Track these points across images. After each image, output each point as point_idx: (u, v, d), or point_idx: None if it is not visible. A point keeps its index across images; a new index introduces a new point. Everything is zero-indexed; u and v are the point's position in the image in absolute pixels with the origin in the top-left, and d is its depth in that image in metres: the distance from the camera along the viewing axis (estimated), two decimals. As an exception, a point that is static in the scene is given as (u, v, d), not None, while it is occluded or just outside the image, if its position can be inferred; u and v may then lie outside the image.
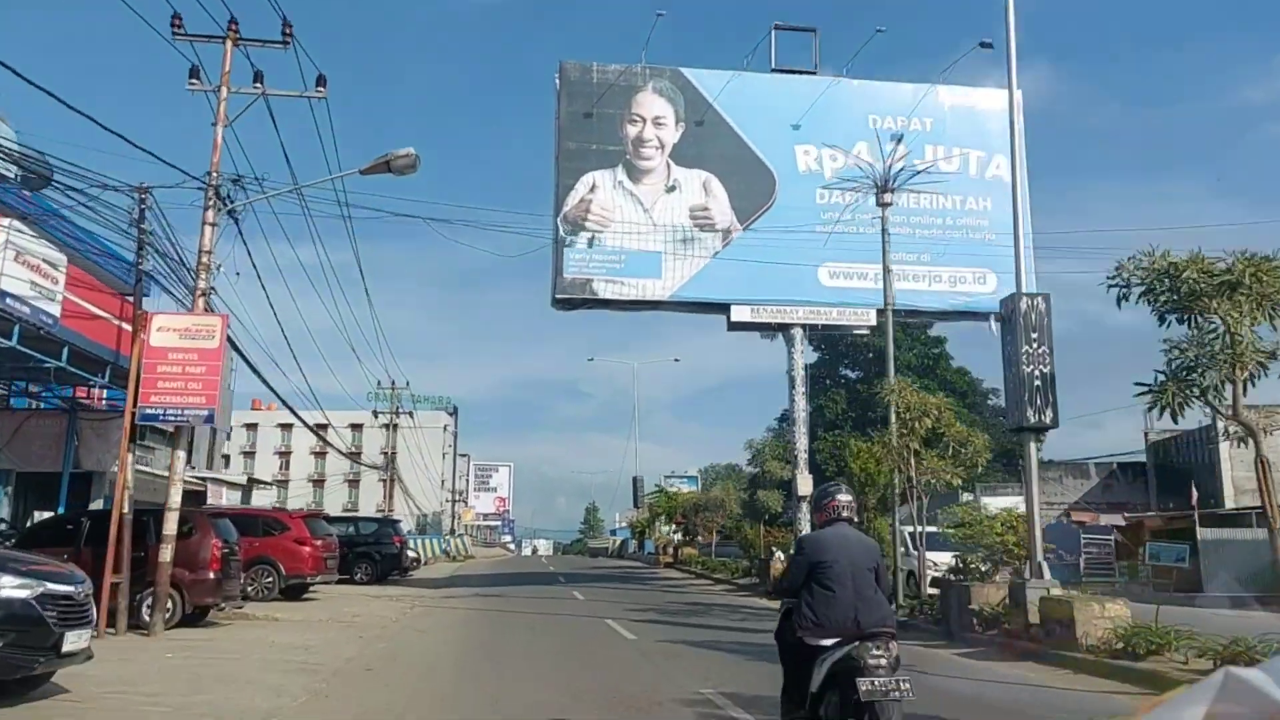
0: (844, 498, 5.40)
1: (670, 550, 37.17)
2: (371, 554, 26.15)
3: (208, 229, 14.23)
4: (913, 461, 14.18)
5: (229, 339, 21.91)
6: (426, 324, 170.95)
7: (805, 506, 20.23)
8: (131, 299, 14.45)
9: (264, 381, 23.89)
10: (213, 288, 14.35)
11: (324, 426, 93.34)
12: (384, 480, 54.39)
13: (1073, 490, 42.53)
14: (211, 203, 14.24)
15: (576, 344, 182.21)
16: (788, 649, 5.29)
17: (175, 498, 13.52)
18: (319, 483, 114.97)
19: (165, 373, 13.53)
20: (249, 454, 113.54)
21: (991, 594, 11.91)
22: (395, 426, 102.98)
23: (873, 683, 4.68)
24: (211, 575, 14.15)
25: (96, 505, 21.71)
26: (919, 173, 16.21)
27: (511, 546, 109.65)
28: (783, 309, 20.68)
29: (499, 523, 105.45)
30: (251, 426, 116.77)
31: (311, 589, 20.15)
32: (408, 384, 50.71)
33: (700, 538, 33.87)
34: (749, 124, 21.29)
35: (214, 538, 14.28)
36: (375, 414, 49.40)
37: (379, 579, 26.06)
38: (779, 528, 28.81)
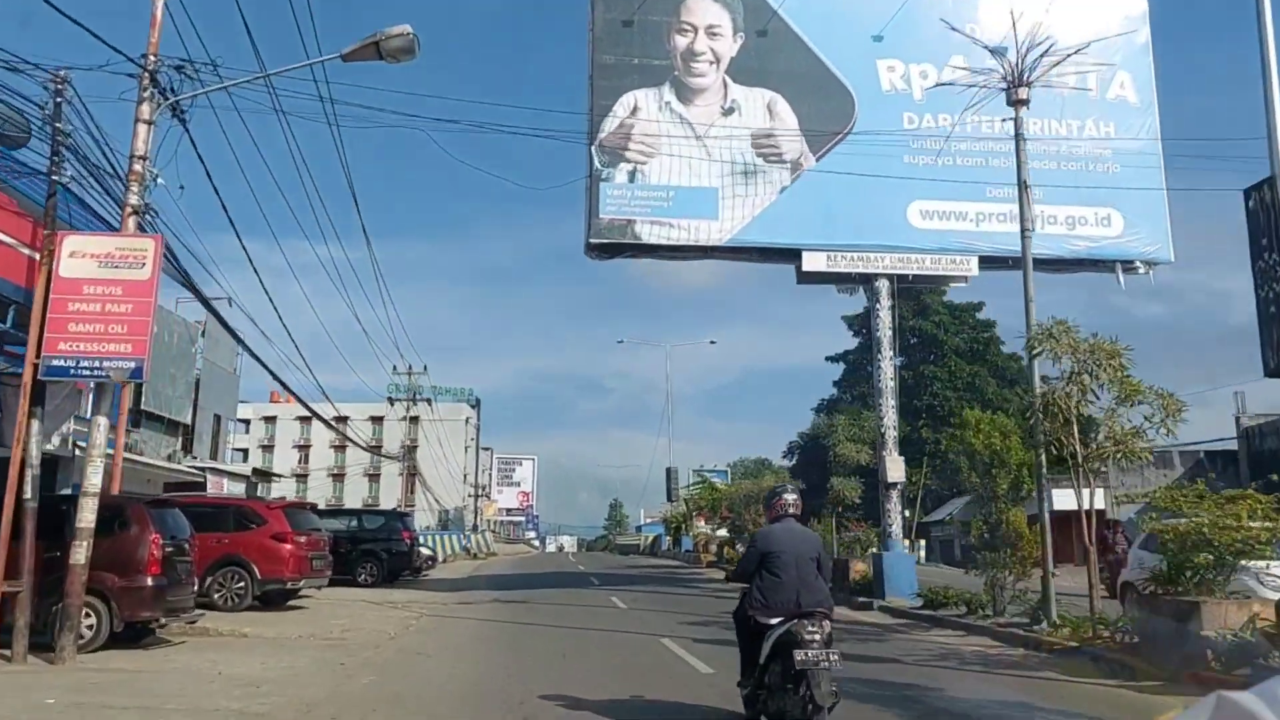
0: (790, 497, 6.69)
1: (713, 548, 33.63)
2: (377, 552, 22.78)
3: (141, 128, 10.81)
4: (1075, 432, 10.45)
5: (221, 318, 18.79)
6: (449, 319, 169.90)
7: (895, 496, 16.60)
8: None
9: (270, 372, 20.71)
10: (148, 204, 10.94)
11: (343, 419, 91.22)
12: (404, 474, 51.19)
13: (1155, 482, 38.55)
14: (148, 93, 10.85)
15: (599, 339, 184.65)
16: (742, 626, 6.44)
17: (93, 479, 10.12)
18: (338, 477, 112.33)
19: (79, 312, 10.12)
20: (267, 448, 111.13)
21: (1231, 614, 8.25)
22: (415, 419, 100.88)
23: (806, 654, 5.77)
24: (149, 581, 10.80)
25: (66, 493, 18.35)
26: (1065, 58, 12.42)
27: (535, 543, 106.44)
28: (865, 256, 16.96)
29: (522, 518, 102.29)
30: (270, 419, 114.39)
31: (300, 595, 16.80)
32: (425, 368, 47.34)
33: (749, 534, 30.38)
34: (821, 35, 17.57)
35: (153, 533, 10.89)
36: (391, 401, 46.11)
37: (386, 580, 22.71)
38: (857, 521, 24.82)
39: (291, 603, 16.20)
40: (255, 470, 41.48)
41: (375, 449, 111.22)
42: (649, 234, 16.61)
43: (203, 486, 36.22)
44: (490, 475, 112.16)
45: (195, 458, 41.12)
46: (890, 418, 16.95)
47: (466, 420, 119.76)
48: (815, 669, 5.67)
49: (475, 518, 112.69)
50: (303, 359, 53.85)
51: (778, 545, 6.22)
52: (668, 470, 46.36)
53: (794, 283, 17.51)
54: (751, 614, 6.18)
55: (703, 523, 41.97)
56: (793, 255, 17.11)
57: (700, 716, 7.51)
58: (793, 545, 6.21)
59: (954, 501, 52.59)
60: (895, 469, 16.27)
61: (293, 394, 27.05)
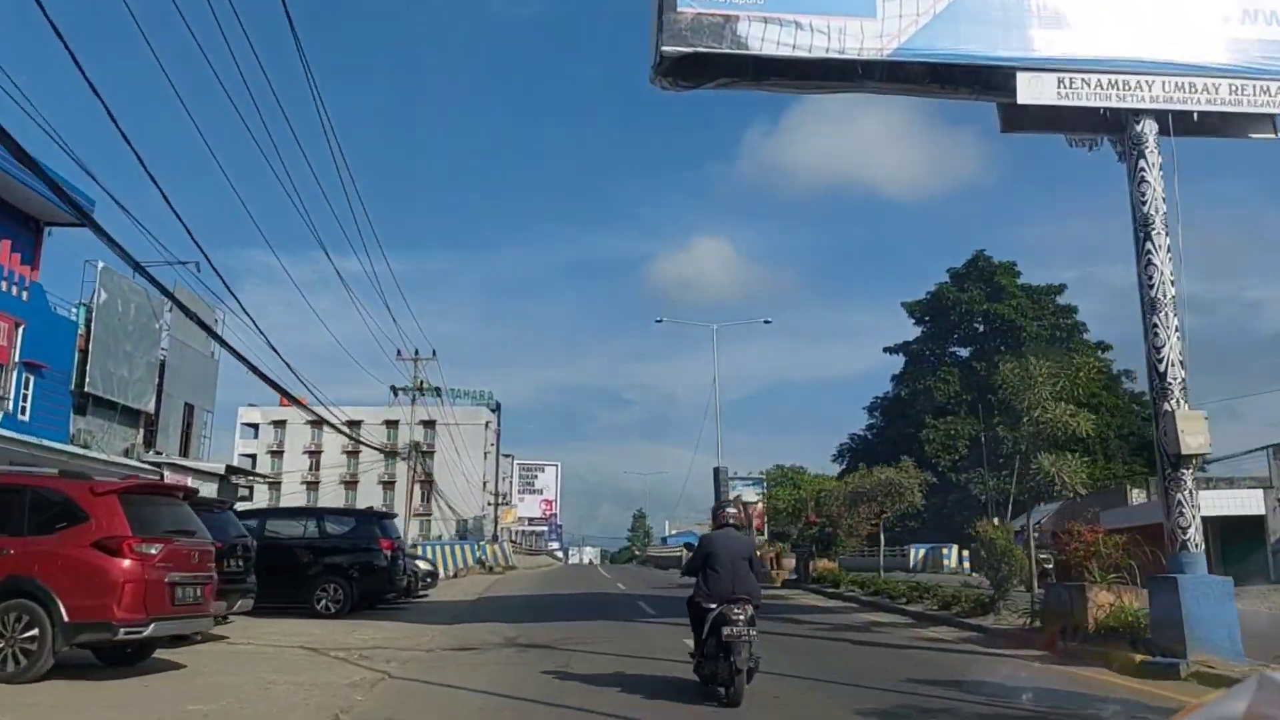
0: (731, 511, 9.13)
1: (789, 563, 26.73)
2: (344, 568, 16.05)
3: None
4: None
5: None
6: (472, 331, 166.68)
7: (1189, 479, 9.70)
8: None
9: (259, 374, 14.35)
10: None
11: (355, 424, 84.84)
12: (412, 473, 44.48)
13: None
14: None
15: (619, 351, 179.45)
16: (692, 609, 8.33)
17: None
18: (351, 484, 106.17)
19: None
20: (276, 453, 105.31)
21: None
22: (430, 423, 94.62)
23: (731, 630, 7.71)
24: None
25: None
26: None
27: (559, 554, 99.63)
28: (1123, 79, 10.18)
29: (545, 528, 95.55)
30: (279, 424, 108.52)
31: (207, 631, 10.14)
32: (434, 353, 40.76)
33: (838, 541, 23.26)
34: None
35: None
36: (395, 391, 39.55)
37: (358, 607, 16.04)
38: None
39: (166, 651, 9.52)
40: (230, 468, 34.91)
41: (391, 452, 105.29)
42: (761, 38, 9.86)
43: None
44: (511, 483, 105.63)
45: (160, 453, 34.73)
46: (1174, 348, 9.95)
47: (486, 425, 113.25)
48: (737, 641, 7.69)
49: (495, 527, 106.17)
50: (281, 358, 47.39)
51: (718, 548, 8.31)
52: (716, 471, 39.42)
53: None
54: (698, 600, 8.25)
55: (760, 531, 34.97)
56: (999, 79, 10.35)
57: None
58: (729, 548, 8.29)
59: (1040, 509, 45.18)
60: (1194, 431, 9.38)
61: (286, 394, 21.07)
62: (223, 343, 20.55)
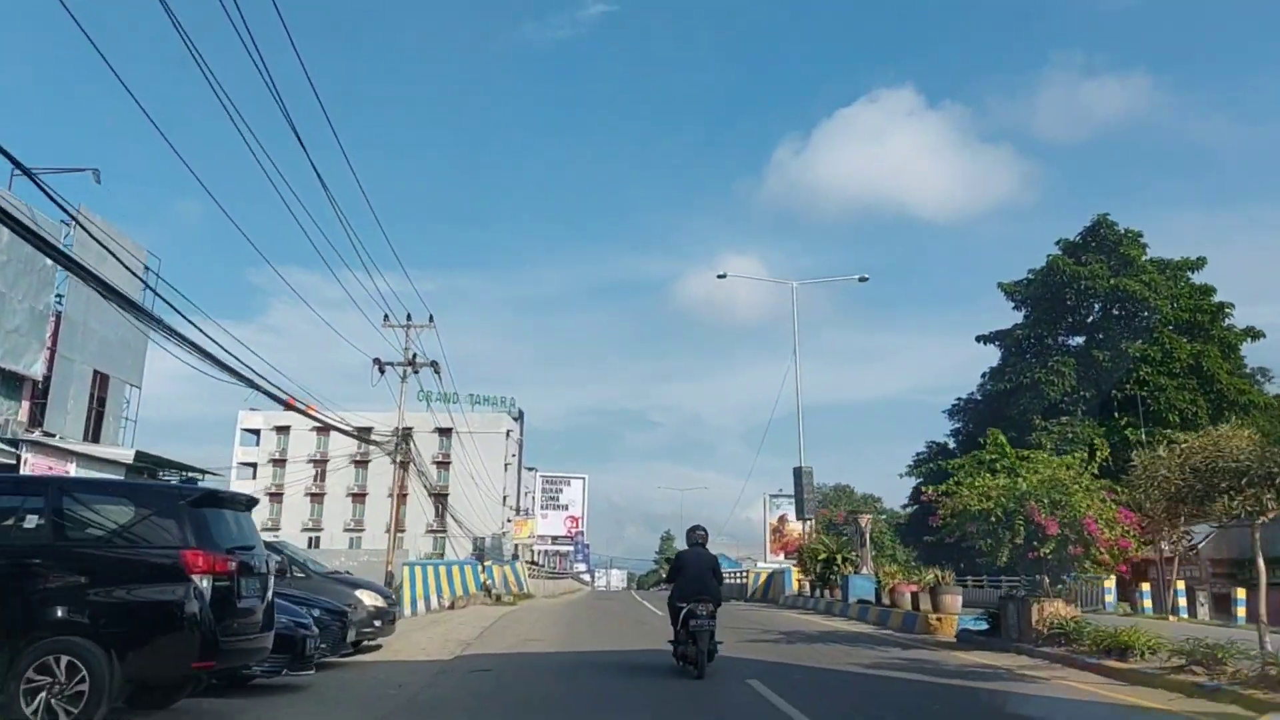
0: (700, 533, 11.79)
1: (953, 601, 16.95)
2: (89, 620, 6.67)
3: None
4: None
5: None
6: (499, 348, 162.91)
7: None
8: None
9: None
10: None
11: (365, 430, 73.42)
12: (395, 464, 34.98)
13: None
14: None
15: (646, 372, 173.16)
16: (671, 608, 11.19)
17: None
18: (359, 497, 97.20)
19: None
20: (278, 461, 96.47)
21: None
22: (447, 431, 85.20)
23: (696, 622, 10.50)
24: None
25: None
26: None
27: (586, 577, 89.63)
28: None
29: (570, 547, 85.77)
30: (283, 430, 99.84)
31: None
32: (431, 319, 31.53)
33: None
34: None
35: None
36: (379, 366, 30.31)
37: (145, 705, 6.65)
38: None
39: None
40: (140, 455, 25.68)
41: (403, 464, 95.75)
42: None
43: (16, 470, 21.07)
44: (534, 497, 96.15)
45: (53, 435, 25.67)
46: None
47: (507, 434, 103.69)
48: (700, 630, 10.56)
49: (514, 547, 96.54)
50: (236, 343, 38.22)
51: (687, 561, 11.44)
52: (797, 472, 29.75)
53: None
54: (675, 601, 11.11)
55: (866, 556, 25.17)
56: None
57: None
58: (697, 561, 11.41)
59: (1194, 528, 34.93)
60: None
61: (250, 383, 12.81)
62: (74, 267, 11.98)
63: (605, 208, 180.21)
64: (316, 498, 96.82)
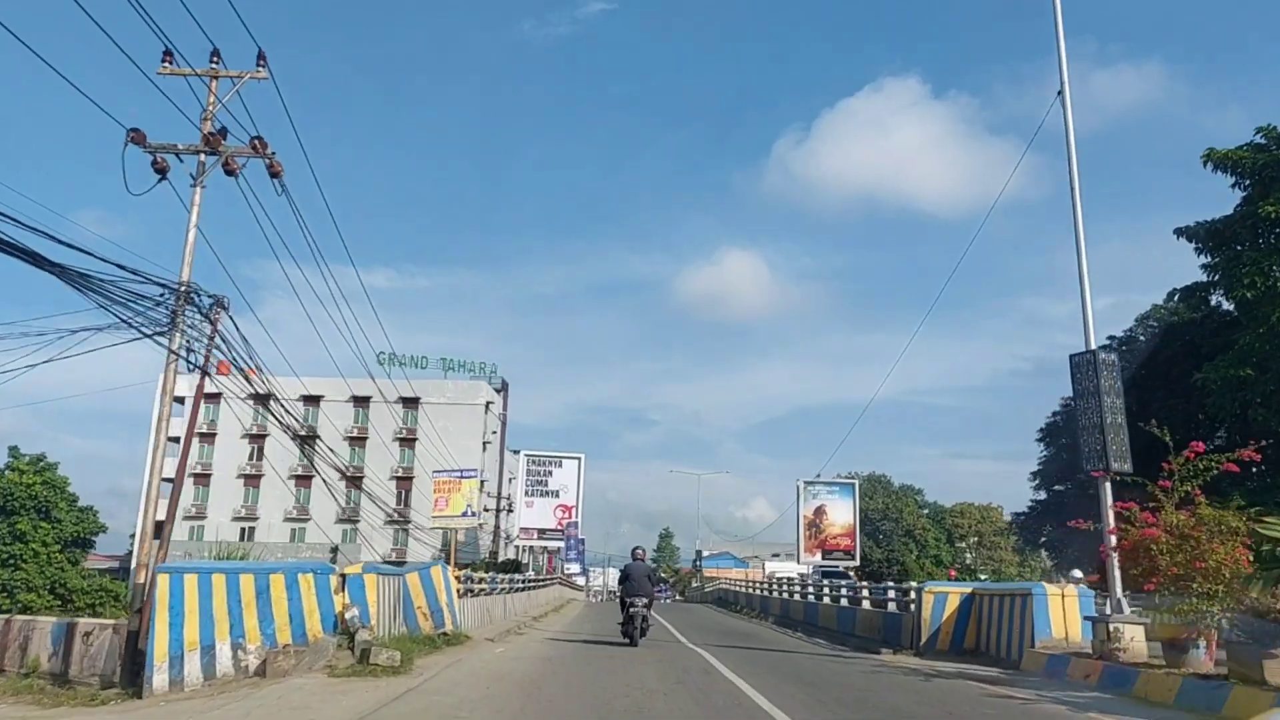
0: (640, 551, 17.76)
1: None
2: None
3: None
4: None
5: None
6: (495, 347, 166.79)
7: None
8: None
9: None
10: None
11: (314, 399, 62.73)
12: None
13: None
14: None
15: (642, 372, 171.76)
16: (620, 601, 17.06)
17: None
18: (304, 479, 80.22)
19: None
20: (207, 435, 79.57)
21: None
22: (414, 400, 73.36)
23: (633, 609, 16.26)
24: None
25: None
26: None
27: (579, 579, 72.90)
28: None
29: (561, 542, 68.91)
30: (212, 398, 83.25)
31: None
32: (262, 60, 14.74)
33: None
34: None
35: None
36: (145, 146, 13.44)
37: None
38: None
39: None
40: None
41: (355, 437, 79.82)
42: None
43: None
44: (517, 483, 79.54)
45: None
46: None
47: (486, 406, 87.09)
48: (636, 615, 16.08)
49: (496, 541, 79.68)
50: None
51: (632, 572, 16.82)
52: (1087, 361, 13.29)
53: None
54: (623, 597, 16.67)
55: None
56: None
57: None
58: (638, 571, 16.76)
59: None
60: None
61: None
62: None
63: (604, 205, 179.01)
64: (252, 480, 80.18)
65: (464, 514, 33.19)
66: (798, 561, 78.58)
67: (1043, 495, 39.68)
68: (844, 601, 20.64)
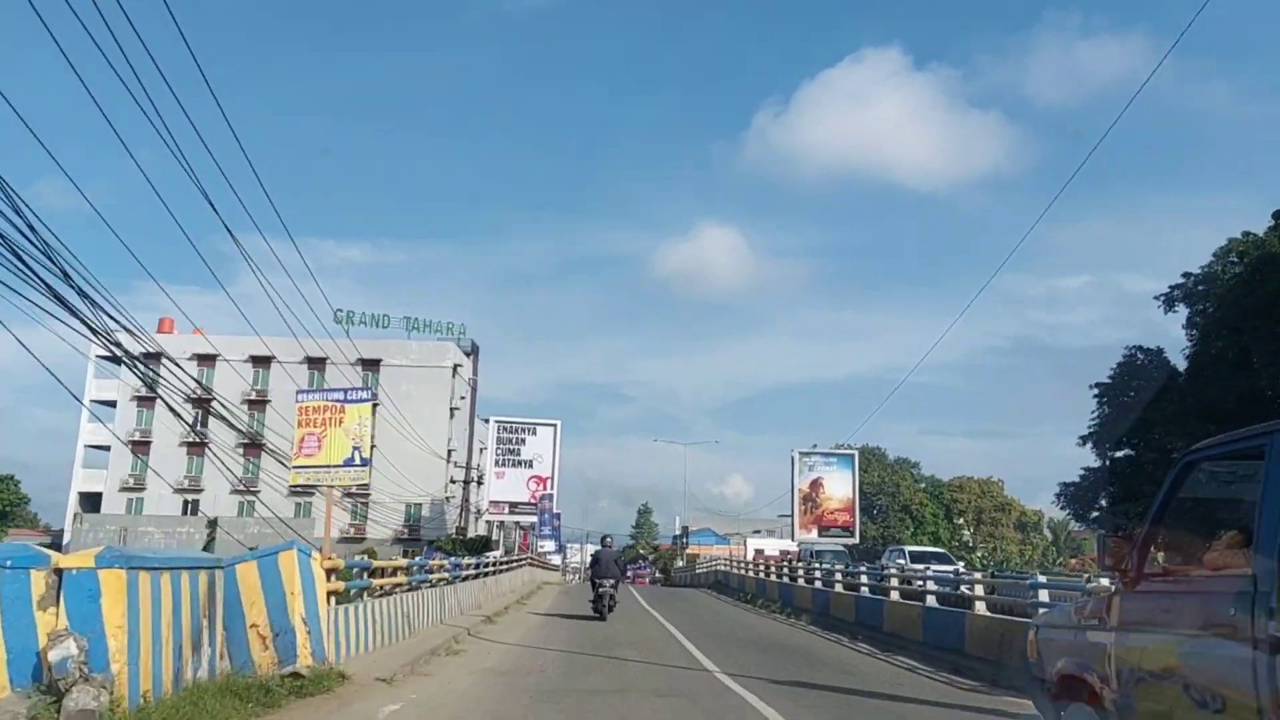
0: (609, 539, 21.90)
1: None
2: None
3: None
4: None
5: None
6: (471, 323, 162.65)
7: None
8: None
9: None
10: None
11: (265, 360, 55.83)
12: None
13: None
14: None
15: (619, 347, 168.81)
16: (592, 582, 20.32)
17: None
18: (253, 449, 73.10)
19: None
20: (144, 400, 72.27)
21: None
22: (374, 363, 67.70)
23: (603, 589, 19.37)
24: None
25: None
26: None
27: (556, 559, 66.60)
28: None
29: (535, 516, 62.48)
30: (153, 357, 76.22)
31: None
32: None
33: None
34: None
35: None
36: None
37: None
38: None
39: None
40: None
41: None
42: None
43: None
44: (487, 452, 73.00)
45: None
46: None
47: (454, 370, 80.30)
48: (604, 594, 19.17)
49: (464, 516, 73.07)
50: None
51: (602, 557, 20.10)
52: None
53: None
54: (594, 579, 19.85)
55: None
56: None
57: None
58: (608, 556, 20.13)
59: None
60: None
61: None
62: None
63: (581, 178, 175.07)
64: (196, 449, 73.29)
65: (348, 462, 19.49)
66: (793, 538, 72.65)
67: (1096, 462, 33.66)
68: (931, 600, 14.24)
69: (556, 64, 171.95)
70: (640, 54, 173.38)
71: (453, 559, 19.53)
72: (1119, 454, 31.68)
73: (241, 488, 72.94)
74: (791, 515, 71.17)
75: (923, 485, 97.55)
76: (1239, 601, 3.52)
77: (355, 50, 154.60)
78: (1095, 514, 31.84)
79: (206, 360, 72.68)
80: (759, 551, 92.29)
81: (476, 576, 19.84)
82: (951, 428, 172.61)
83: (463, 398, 79.23)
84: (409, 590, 13.07)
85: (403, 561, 14.71)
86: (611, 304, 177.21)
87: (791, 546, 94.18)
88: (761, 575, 30.33)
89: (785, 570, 28.12)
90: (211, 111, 11.84)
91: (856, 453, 73.65)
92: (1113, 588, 4.96)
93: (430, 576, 14.97)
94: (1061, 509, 37.47)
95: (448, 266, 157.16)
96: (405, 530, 71.46)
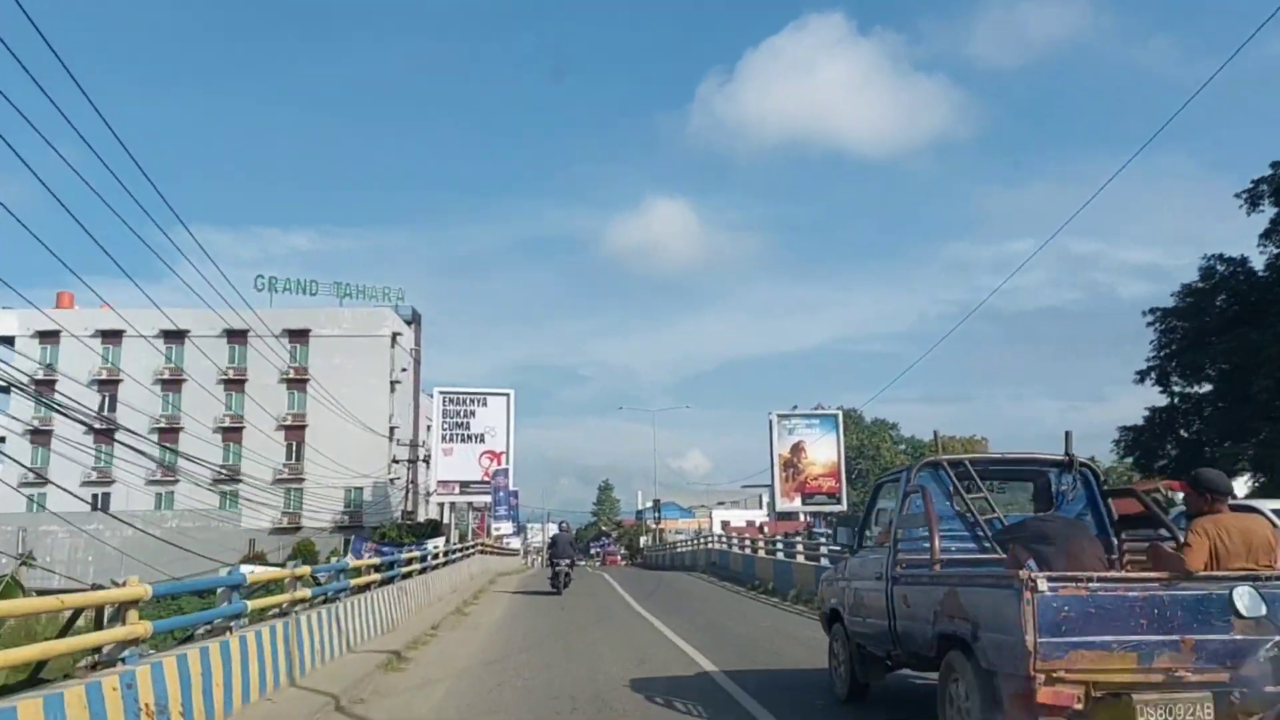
0: (565, 524, 28.18)
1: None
2: None
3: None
4: None
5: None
6: (422, 306, 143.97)
7: None
8: None
9: None
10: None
11: (180, 335, 49.76)
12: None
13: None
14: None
15: (575, 329, 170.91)
16: (550, 562, 24.38)
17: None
18: (169, 433, 65.36)
19: None
20: (47, 382, 64.02)
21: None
22: (303, 333, 66.20)
23: (559, 568, 23.11)
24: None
25: None
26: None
27: (514, 541, 60.01)
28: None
29: (489, 495, 55.60)
30: (49, 335, 67.57)
31: None
32: None
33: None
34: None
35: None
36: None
37: None
38: None
39: None
40: None
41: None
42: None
43: None
44: (433, 429, 66.05)
45: None
46: None
47: (394, 339, 72.88)
48: (561, 572, 22.89)
49: (410, 500, 66.26)
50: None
51: (559, 540, 24.43)
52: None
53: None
54: (551, 559, 23.90)
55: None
56: None
57: None
58: (564, 539, 24.45)
59: None
60: None
61: None
62: None
63: (529, 161, 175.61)
64: (106, 433, 65.29)
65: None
66: (774, 508, 67.15)
67: (1162, 400, 27.99)
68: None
69: (501, 46, 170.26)
70: (583, 29, 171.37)
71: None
72: (1198, 389, 26.07)
73: (157, 477, 65.42)
74: (771, 484, 65.49)
75: (903, 447, 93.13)
76: (885, 561, 7.29)
77: (303, 40, 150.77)
78: (1161, 464, 26.14)
79: (112, 337, 64.59)
80: (725, 524, 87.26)
81: (387, 582, 13.20)
82: (908, 394, 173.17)
83: (404, 370, 71.89)
84: (227, 633, 6.66)
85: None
86: (565, 285, 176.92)
87: (762, 517, 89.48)
88: (789, 554, 23.26)
89: (809, 545, 21.65)
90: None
91: (840, 413, 68.18)
92: (845, 555, 9.07)
93: (270, 605, 8.43)
94: (1121, 458, 31.77)
95: (397, 252, 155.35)
96: (346, 518, 64.52)
